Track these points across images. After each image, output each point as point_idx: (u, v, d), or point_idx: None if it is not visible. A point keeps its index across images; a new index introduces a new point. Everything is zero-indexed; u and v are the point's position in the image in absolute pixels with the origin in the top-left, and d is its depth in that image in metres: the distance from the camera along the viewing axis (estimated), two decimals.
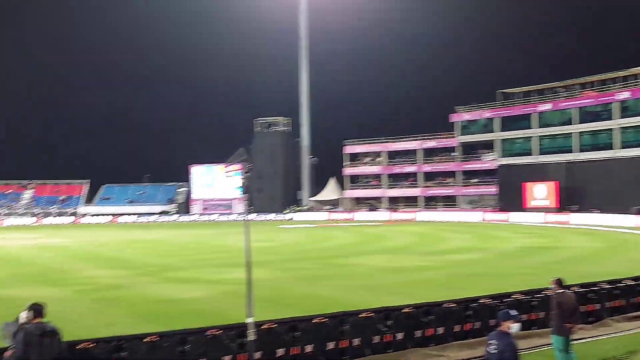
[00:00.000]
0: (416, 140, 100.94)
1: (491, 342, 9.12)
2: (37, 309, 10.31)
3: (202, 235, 63.18)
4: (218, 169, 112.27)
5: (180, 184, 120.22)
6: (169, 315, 19.48)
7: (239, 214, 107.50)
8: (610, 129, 78.89)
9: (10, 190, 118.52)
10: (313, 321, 13.88)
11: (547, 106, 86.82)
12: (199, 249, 46.07)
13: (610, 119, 78.92)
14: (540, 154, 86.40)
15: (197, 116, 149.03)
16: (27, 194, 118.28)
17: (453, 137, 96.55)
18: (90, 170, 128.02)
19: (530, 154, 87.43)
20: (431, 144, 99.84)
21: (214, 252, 42.83)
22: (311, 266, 32.77)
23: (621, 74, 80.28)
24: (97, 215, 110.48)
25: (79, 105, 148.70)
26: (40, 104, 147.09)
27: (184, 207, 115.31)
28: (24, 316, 10.41)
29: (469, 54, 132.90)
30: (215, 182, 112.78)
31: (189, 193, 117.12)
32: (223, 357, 12.65)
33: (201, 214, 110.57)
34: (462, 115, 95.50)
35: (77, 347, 11.65)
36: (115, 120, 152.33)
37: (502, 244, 45.51)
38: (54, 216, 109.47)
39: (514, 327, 9.20)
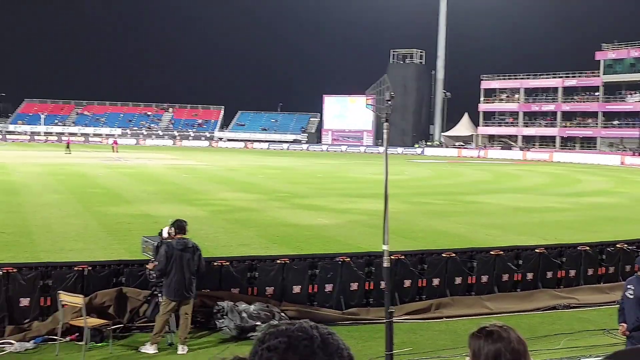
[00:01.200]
0: (557, 77, 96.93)
1: (629, 286, 8.80)
2: (180, 225, 10.83)
3: (331, 165, 63.95)
4: (350, 100, 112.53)
5: (313, 114, 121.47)
6: (297, 240, 19.97)
7: (369, 146, 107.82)
8: None
9: (150, 112, 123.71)
10: (442, 255, 13.87)
11: None
12: (328, 178, 46.71)
13: None
14: None
15: (331, 47, 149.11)
16: (167, 117, 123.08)
17: (596, 76, 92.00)
18: (226, 96, 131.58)
19: None
20: (572, 82, 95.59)
21: (342, 182, 43.32)
22: (440, 202, 32.55)
23: None
24: (231, 140, 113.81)
25: (219, 34, 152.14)
26: (182, 34, 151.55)
27: (315, 137, 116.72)
28: (166, 231, 10.97)
29: None
30: (347, 113, 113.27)
31: (320, 123, 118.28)
32: (351, 283, 12.91)
33: (331, 145, 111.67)
34: (607, 54, 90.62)
35: (214, 264, 12.20)
36: (252, 49, 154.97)
37: None
38: (191, 139, 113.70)
39: None
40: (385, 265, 8.95)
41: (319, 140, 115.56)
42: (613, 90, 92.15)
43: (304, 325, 1.52)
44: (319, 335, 1.50)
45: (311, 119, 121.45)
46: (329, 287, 12.80)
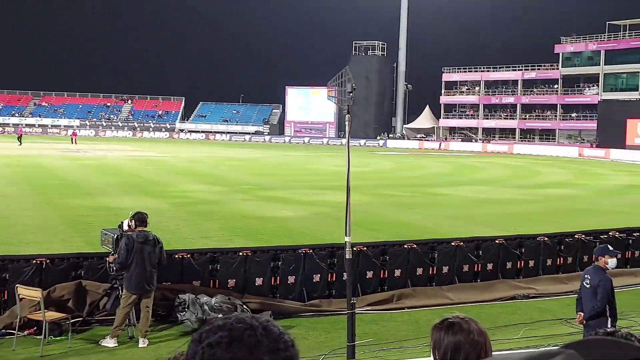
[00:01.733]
0: (516, 70, 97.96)
1: (586, 276, 8.96)
2: (141, 218, 10.71)
3: (294, 157, 63.88)
4: (312, 92, 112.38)
5: (275, 105, 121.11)
6: (261, 232, 19.93)
7: (331, 137, 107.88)
8: None
9: (109, 103, 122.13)
10: (403, 246, 13.95)
11: None
12: (292, 170, 46.67)
13: None
14: None
15: (294, 38, 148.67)
16: (126, 108, 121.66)
17: (555, 69, 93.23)
18: (187, 87, 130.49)
19: (635, 90, 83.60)
20: (532, 75, 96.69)
21: (305, 174, 43.32)
22: (402, 193, 32.74)
23: None
24: (192, 131, 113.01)
25: (179, 24, 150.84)
26: (141, 23, 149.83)
27: (277, 129, 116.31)
28: (127, 224, 10.85)
29: None
30: (310, 105, 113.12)
31: (283, 115, 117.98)
32: (313, 275, 12.93)
33: (293, 136, 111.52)
34: (566, 47, 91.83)
35: (175, 256, 12.11)
36: (213, 40, 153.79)
37: (599, 180, 44.21)
38: (151, 130, 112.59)
39: (611, 263, 8.99)
40: (347, 257, 8.98)
41: (281, 132, 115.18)
42: (571, 83, 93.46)
43: (241, 316, 1.46)
44: (259, 324, 1.43)
45: (273, 111, 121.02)
46: (291, 279, 12.80)
